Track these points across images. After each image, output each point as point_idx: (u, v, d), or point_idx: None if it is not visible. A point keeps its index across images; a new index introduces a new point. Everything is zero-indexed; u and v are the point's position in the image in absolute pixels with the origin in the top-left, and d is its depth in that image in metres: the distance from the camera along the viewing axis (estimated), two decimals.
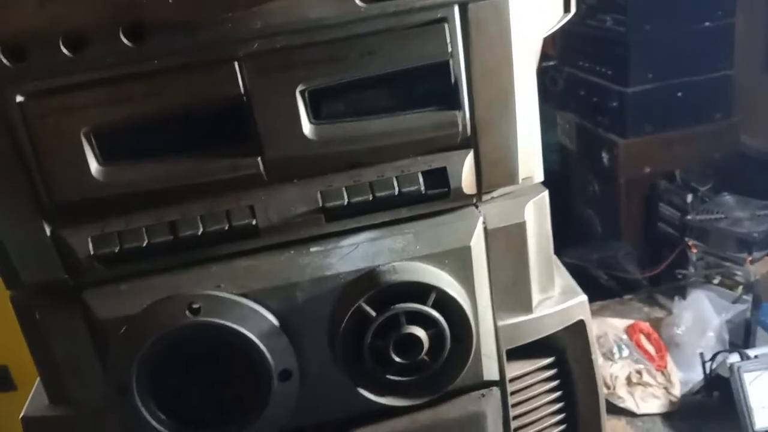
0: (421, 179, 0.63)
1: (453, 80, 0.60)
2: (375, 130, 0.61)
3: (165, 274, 0.61)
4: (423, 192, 0.63)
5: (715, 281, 1.55)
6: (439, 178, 0.63)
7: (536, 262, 0.68)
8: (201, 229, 0.60)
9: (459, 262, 0.63)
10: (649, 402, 1.35)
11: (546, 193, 0.69)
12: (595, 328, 1.53)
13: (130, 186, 0.60)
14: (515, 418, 0.72)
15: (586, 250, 2.23)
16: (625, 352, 1.43)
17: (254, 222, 0.61)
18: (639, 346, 1.46)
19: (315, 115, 0.60)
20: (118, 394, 0.58)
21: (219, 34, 0.57)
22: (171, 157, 0.60)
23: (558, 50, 2.37)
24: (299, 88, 0.59)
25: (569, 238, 2.34)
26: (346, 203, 0.62)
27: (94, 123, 0.58)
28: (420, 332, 0.60)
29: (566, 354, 0.73)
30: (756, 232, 1.43)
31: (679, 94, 1.97)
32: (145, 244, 0.60)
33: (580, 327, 0.71)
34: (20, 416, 0.64)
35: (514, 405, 0.71)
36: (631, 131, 2.00)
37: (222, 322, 0.57)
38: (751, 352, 1.23)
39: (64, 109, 0.57)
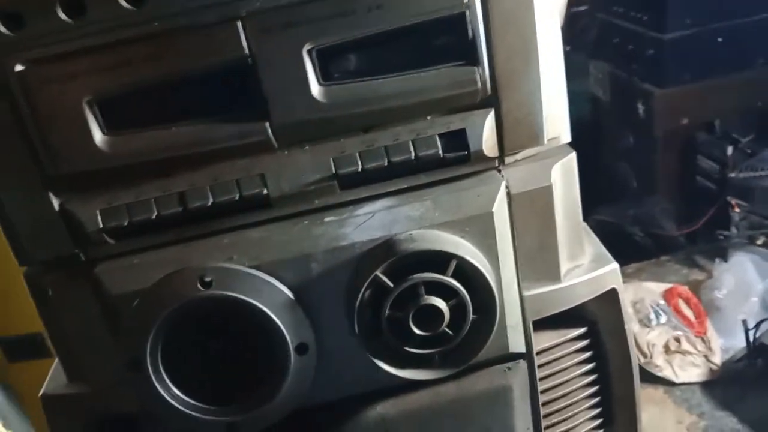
0: (438, 142, 0.59)
1: (470, 33, 0.56)
2: (387, 91, 0.57)
3: (176, 247, 0.59)
4: (441, 156, 0.59)
5: (759, 242, 1.48)
6: (458, 141, 0.59)
7: (564, 228, 0.65)
8: (211, 200, 0.58)
9: (481, 229, 0.60)
10: (689, 370, 1.31)
11: (574, 155, 0.65)
12: (631, 293, 1.48)
13: (136, 156, 0.57)
14: (545, 391, 0.69)
15: (621, 206, 2.18)
16: (663, 319, 1.38)
17: (265, 191, 0.58)
18: (677, 311, 1.41)
19: (324, 76, 0.57)
20: (131, 369, 0.57)
21: None
22: (177, 125, 0.58)
23: None
24: (306, 47, 0.56)
25: (602, 193, 2.29)
26: (360, 169, 0.59)
27: (97, 90, 0.56)
28: (440, 303, 0.57)
29: (598, 325, 0.70)
30: None
31: (720, 39, 1.87)
32: (154, 216, 0.58)
33: (612, 296, 0.67)
34: (39, 394, 0.63)
35: (544, 378, 0.68)
36: (669, 80, 1.91)
37: (234, 295, 0.55)
38: None
39: (66, 76, 0.55)
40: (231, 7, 0.54)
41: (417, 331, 0.57)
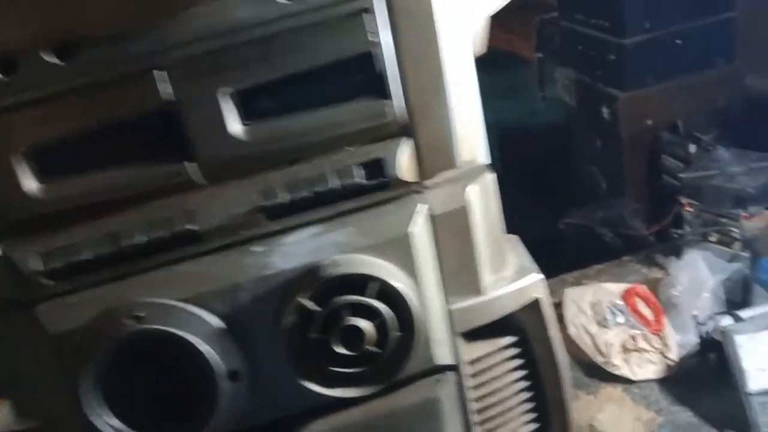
0: (359, 171, 0.63)
1: (380, 70, 0.60)
2: (306, 126, 0.61)
3: (112, 284, 0.62)
4: (362, 184, 0.63)
5: (712, 239, 1.52)
6: (377, 169, 0.63)
7: (486, 243, 0.68)
8: (143, 239, 0.61)
9: (400, 251, 0.63)
10: (645, 368, 1.35)
11: (490, 176, 0.69)
12: (590, 294, 1.52)
13: (71, 201, 0.61)
14: (481, 399, 0.72)
15: (591, 208, 2.22)
16: (620, 318, 1.43)
17: (195, 227, 0.62)
18: (635, 310, 1.45)
19: (246, 116, 0.61)
20: (74, 403, 0.60)
21: (145, 44, 0.58)
22: (109, 170, 0.61)
23: (558, 3, 2.31)
24: (227, 90, 0.60)
25: (574, 197, 2.34)
26: (285, 201, 0.62)
27: (31, 142, 0.59)
28: (364, 323, 0.60)
29: (527, 333, 0.73)
30: (751, 187, 1.40)
31: (678, 41, 1.91)
32: (90, 257, 0.61)
33: (536, 306, 0.71)
34: None
35: (479, 386, 0.72)
36: (631, 84, 1.94)
37: (164, 328, 0.58)
38: (744, 314, 1.21)
39: (1, 131, 0.59)
40: (153, 58, 0.57)
41: (343, 351, 0.60)
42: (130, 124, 0.60)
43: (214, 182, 0.62)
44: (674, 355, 1.37)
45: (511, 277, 0.71)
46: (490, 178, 0.69)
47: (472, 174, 0.68)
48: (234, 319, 0.62)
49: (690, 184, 1.55)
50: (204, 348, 0.58)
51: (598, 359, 1.38)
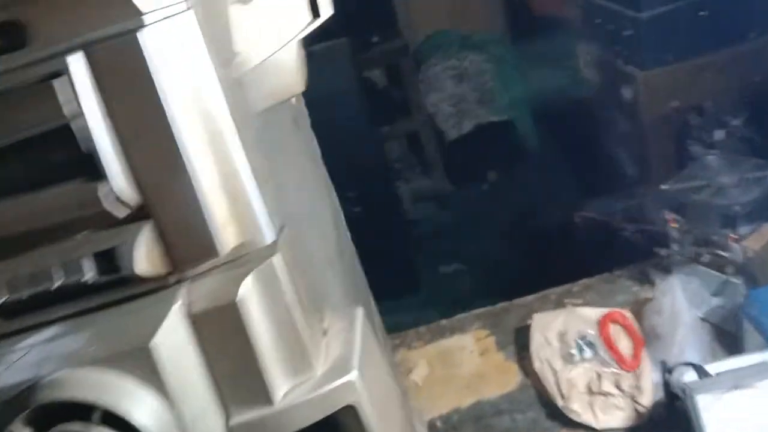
0: (89, 264, 0.51)
1: (87, 147, 0.47)
2: (10, 215, 0.49)
3: None
4: (92, 280, 0.51)
5: (704, 259, 1.32)
6: (109, 262, 0.51)
7: (274, 342, 0.55)
8: None
9: (142, 363, 0.51)
10: (611, 414, 1.18)
11: (277, 259, 0.55)
12: (560, 322, 1.35)
13: None
14: None
15: (611, 199, 2.06)
16: (588, 353, 1.25)
17: None
18: (608, 343, 1.27)
19: None
20: None
21: None
22: None
23: None
24: None
25: (594, 185, 2.18)
26: (5, 298, 0.51)
27: None
28: None
29: None
30: (739, 204, 1.18)
31: (702, 13, 1.69)
32: None
33: (352, 413, 0.58)
34: None
35: None
36: (651, 62, 1.73)
37: None
38: (713, 367, 1.02)
39: None
40: None
41: None
42: None
43: None
44: (647, 399, 1.19)
45: (317, 381, 0.58)
46: (275, 263, 0.55)
47: (250, 261, 0.54)
48: None
49: (672, 197, 1.35)
50: None
51: (559, 402, 1.22)
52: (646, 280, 1.50)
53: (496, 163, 3.66)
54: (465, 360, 1.38)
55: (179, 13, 0.49)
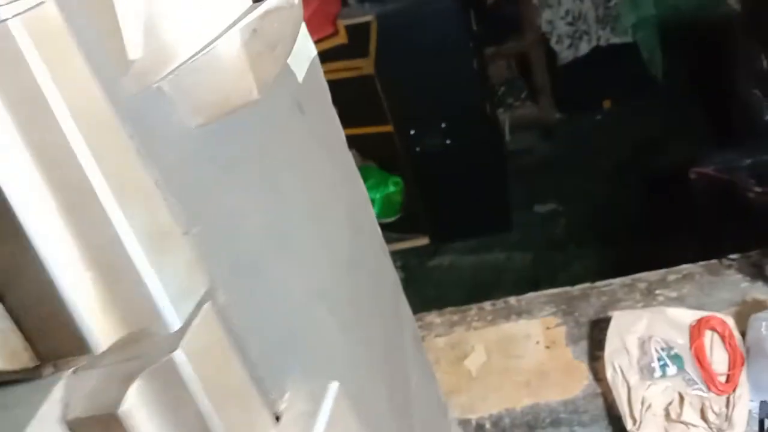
0: None
1: None
2: None
3: None
4: None
5: None
6: None
7: None
8: None
9: None
10: None
11: (179, 355, 0.41)
12: (643, 325, 1.15)
13: None
14: None
15: (739, 151, 1.79)
16: (672, 370, 1.05)
17: None
18: (699, 356, 1.06)
19: None
20: None
21: None
22: None
23: None
24: None
25: (728, 127, 1.93)
26: None
27: None
28: None
29: None
30: None
31: None
32: None
33: None
34: None
35: None
36: None
37: None
38: None
39: None
40: None
41: None
42: None
43: None
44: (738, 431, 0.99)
45: None
46: (185, 358, 0.41)
47: (144, 354, 0.41)
48: None
49: None
50: None
51: (628, 424, 1.04)
52: (759, 276, 1.24)
53: (612, 91, 3.31)
54: (528, 351, 1.22)
55: (32, 7, 0.34)
